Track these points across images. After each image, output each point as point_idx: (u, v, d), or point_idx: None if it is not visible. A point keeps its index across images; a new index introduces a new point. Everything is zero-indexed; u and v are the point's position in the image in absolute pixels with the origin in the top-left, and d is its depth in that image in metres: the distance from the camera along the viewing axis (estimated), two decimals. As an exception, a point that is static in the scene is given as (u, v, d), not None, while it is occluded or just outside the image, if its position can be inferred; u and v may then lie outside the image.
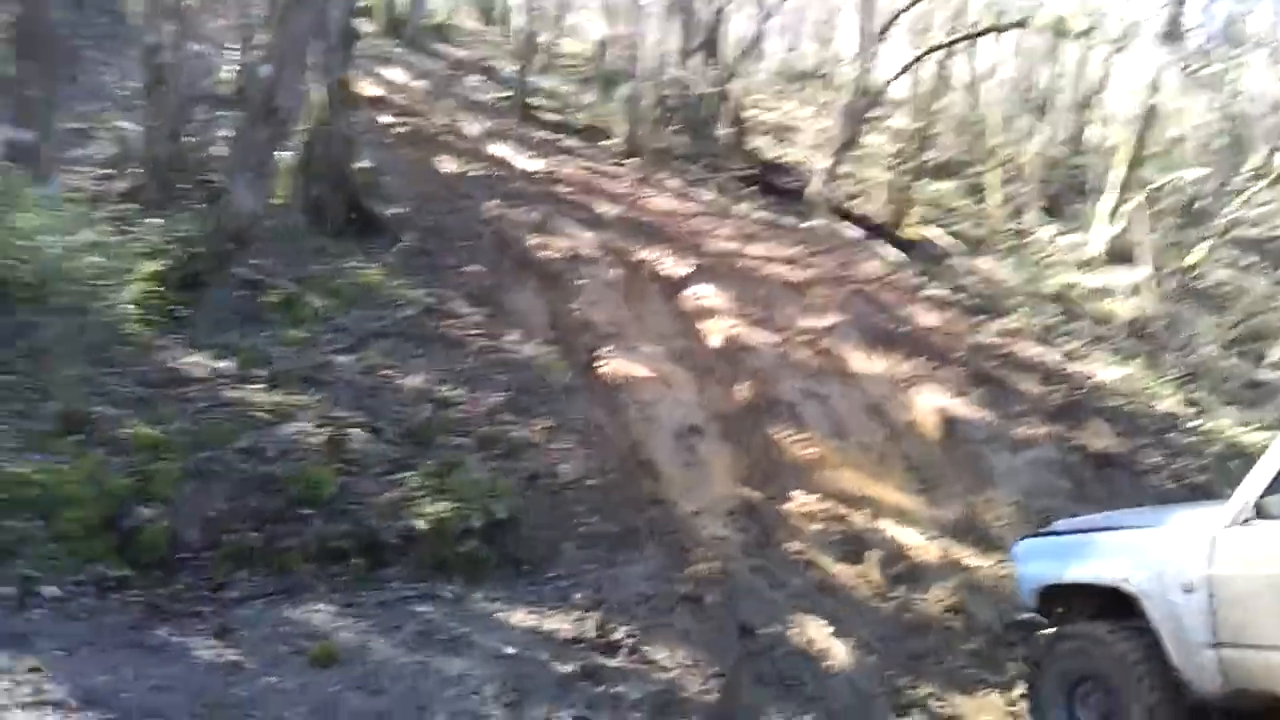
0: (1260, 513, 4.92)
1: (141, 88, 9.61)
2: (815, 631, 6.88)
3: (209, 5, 18.90)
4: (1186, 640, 5.07)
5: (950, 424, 10.71)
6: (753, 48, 23.11)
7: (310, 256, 9.71)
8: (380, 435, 7.35)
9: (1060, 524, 6.73)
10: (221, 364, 7.60)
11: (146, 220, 8.62)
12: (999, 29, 21.86)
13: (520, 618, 6.27)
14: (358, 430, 7.25)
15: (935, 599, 8.00)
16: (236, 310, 8.48)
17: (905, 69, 19.80)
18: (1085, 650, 5.68)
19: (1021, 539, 6.83)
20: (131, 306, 7.77)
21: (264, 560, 6.31)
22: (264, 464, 6.73)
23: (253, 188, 8.13)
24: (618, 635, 6.21)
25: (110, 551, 6.00)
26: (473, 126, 17.17)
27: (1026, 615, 6.44)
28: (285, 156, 9.79)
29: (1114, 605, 5.53)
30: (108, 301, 7.81)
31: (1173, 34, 17.69)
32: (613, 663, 5.97)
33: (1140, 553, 5.44)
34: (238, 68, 12.82)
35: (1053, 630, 6.11)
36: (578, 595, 6.70)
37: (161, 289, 7.95)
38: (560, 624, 6.26)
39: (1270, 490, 4.93)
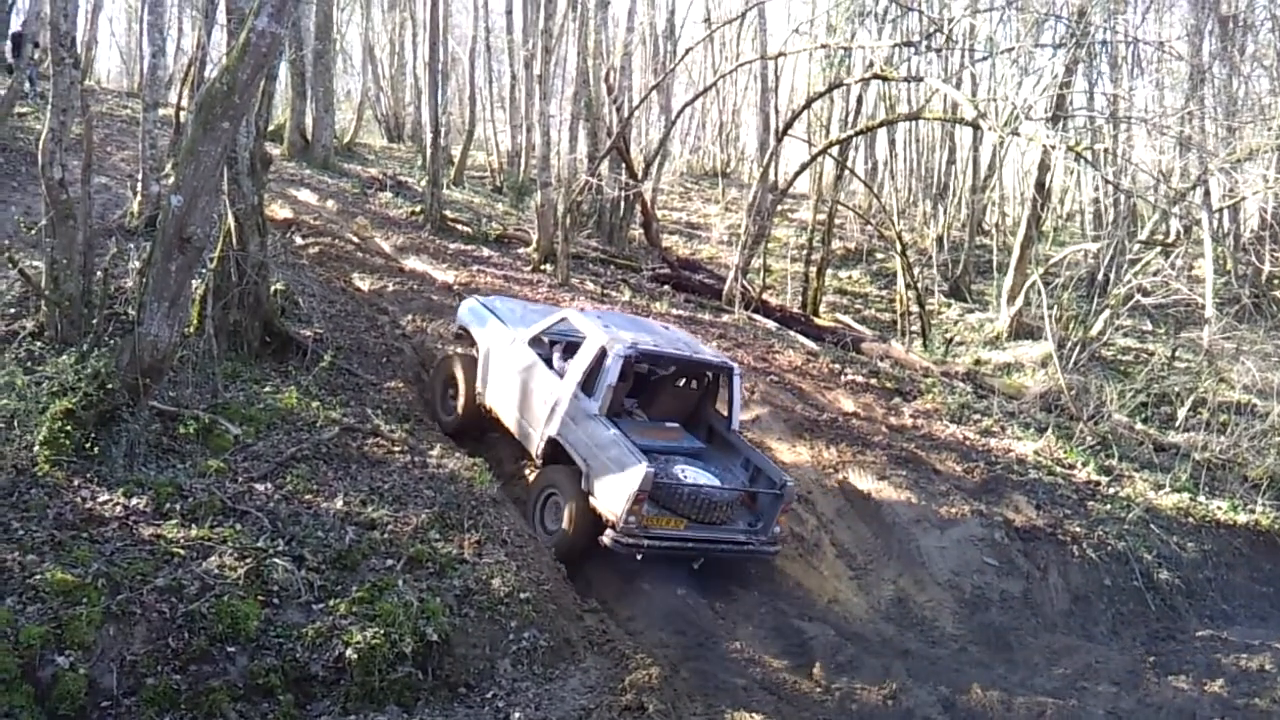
0: (527, 343, 10.26)
1: (47, 224, 9.50)
2: (758, 731, 6.85)
3: (113, 138, 18.95)
4: (483, 374, 10.56)
5: (877, 508, 10.87)
6: (660, 150, 23.74)
7: (226, 383, 9.62)
8: (303, 563, 7.20)
9: (492, 299, 11.96)
10: (136, 501, 7.41)
11: (57, 358, 8.47)
12: (893, 121, 22.87)
13: (459, 742, 6.13)
14: (280, 560, 7.10)
15: (876, 686, 8.03)
16: (152, 444, 8.31)
17: (807, 164, 20.48)
18: (453, 359, 11.18)
19: (464, 298, 12.40)
20: (42, 447, 7.60)
21: (189, 703, 6.12)
22: (184, 602, 6.55)
23: (167, 319, 8.00)
24: (560, 753, 6.10)
25: (29, 703, 5.76)
26: (387, 242, 17.26)
27: (456, 333, 11.68)
28: (197, 284, 9.76)
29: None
30: (18, 443, 7.64)
31: (1059, 115, 18.64)
32: (557, 781, 5.85)
33: (497, 332, 10.67)
34: (140, 198, 12.85)
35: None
36: (517, 714, 6.61)
37: (73, 427, 7.77)
38: (500, 745, 6.14)
39: (535, 338, 10.30)
